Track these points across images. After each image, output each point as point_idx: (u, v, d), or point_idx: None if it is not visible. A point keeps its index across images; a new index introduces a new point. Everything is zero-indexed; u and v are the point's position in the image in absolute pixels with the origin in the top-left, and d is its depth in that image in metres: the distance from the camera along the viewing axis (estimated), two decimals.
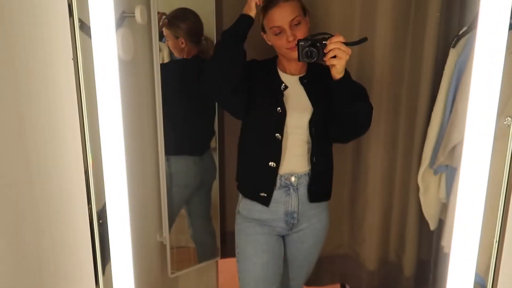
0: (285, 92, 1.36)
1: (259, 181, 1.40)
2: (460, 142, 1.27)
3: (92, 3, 0.64)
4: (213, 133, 1.79)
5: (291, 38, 1.26)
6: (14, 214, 0.70)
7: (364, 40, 1.18)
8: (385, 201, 1.82)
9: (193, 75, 1.69)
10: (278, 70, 1.40)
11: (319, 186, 1.42)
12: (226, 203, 1.95)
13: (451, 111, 1.35)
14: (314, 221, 1.45)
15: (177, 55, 1.62)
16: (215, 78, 1.32)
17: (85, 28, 0.70)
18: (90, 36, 0.69)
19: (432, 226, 1.59)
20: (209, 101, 1.75)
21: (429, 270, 1.86)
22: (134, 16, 1.34)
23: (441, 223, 1.67)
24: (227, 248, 1.97)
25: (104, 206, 0.74)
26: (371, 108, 1.32)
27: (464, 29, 1.39)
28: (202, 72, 1.34)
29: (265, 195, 1.39)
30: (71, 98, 0.70)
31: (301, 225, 1.44)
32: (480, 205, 0.68)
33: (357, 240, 1.91)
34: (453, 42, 1.42)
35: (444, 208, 1.57)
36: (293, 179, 1.37)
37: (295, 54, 1.23)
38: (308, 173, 1.39)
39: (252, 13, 1.27)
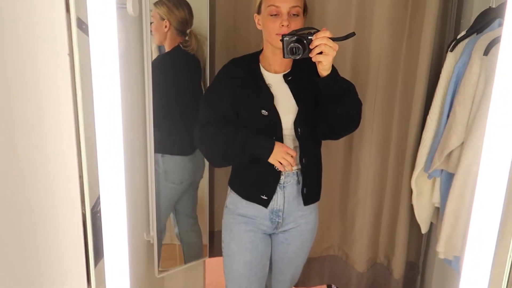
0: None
1: (262, 184, 1.36)
2: (457, 148, 1.27)
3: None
4: None
5: (285, 23, 1.20)
6: (2, 213, 0.65)
7: (352, 35, 1.13)
8: (376, 203, 1.82)
9: (176, 69, 1.64)
10: (261, 67, 1.34)
11: (311, 188, 1.39)
12: (214, 202, 1.91)
13: (448, 115, 1.34)
14: (301, 222, 1.42)
15: (156, 40, 1.55)
16: (210, 158, 1.43)
17: (82, 24, 0.65)
18: (87, 33, 0.64)
19: (424, 229, 1.59)
20: (196, 95, 1.70)
21: (418, 272, 1.87)
22: (125, 8, 1.29)
23: (431, 226, 1.67)
24: (215, 247, 1.95)
25: (97, 204, 0.70)
26: (360, 104, 1.28)
27: (463, 33, 1.39)
28: (197, 137, 1.37)
29: (266, 198, 1.36)
30: (66, 95, 0.66)
31: (287, 225, 1.41)
32: (496, 218, 0.67)
33: (347, 241, 1.91)
34: (450, 46, 1.41)
35: (436, 213, 1.57)
36: (281, 177, 1.35)
37: None
38: (296, 173, 1.36)
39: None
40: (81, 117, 0.65)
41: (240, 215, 1.41)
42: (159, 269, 1.75)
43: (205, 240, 1.89)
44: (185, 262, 1.85)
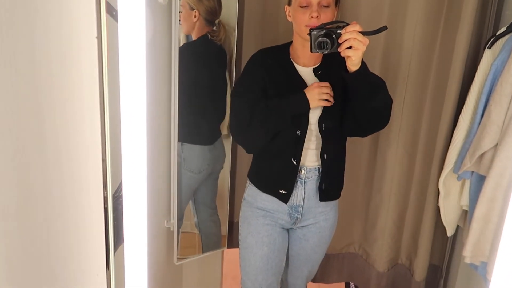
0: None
1: (280, 178, 1.35)
2: (491, 149, 1.21)
3: None
4: (223, 117, 1.74)
5: (314, 14, 1.16)
6: (26, 196, 0.66)
7: (383, 29, 1.07)
8: (401, 202, 1.77)
9: (201, 58, 1.64)
10: (292, 60, 1.30)
11: (329, 184, 1.37)
12: (235, 193, 1.91)
13: (482, 115, 1.28)
14: (320, 219, 1.40)
15: (184, 29, 1.55)
16: (246, 141, 1.34)
17: (112, 10, 0.64)
18: (116, 19, 0.64)
19: (450, 232, 1.54)
20: (220, 85, 1.69)
21: (441, 276, 1.82)
22: None
23: (458, 229, 1.62)
24: (234, 238, 1.95)
25: (119, 189, 0.70)
26: (391, 101, 1.24)
27: (503, 30, 1.32)
28: (234, 127, 1.33)
29: (285, 192, 1.34)
30: (93, 78, 0.65)
31: (306, 221, 1.39)
32: None
33: (369, 240, 1.87)
34: (489, 43, 1.34)
35: (464, 215, 1.51)
36: (302, 172, 1.33)
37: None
38: (318, 169, 1.34)
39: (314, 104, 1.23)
40: (106, 101, 0.65)
41: (258, 208, 1.40)
42: (178, 256, 1.77)
43: (224, 230, 1.90)
44: (203, 251, 1.86)
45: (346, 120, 1.27)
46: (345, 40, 1.06)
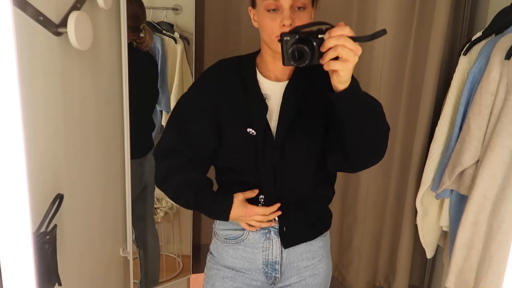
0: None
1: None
2: (471, 166, 1.10)
3: None
4: (154, 127, 1.64)
5: (287, 22, 0.87)
6: None
7: (381, 33, 0.77)
8: (376, 221, 1.66)
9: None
10: (258, 73, 1.00)
11: (294, 225, 1.04)
12: (199, 213, 1.76)
13: (460, 128, 1.17)
14: (306, 274, 1.07)
15: None
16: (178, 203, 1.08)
17: None
18: None
19: (429, 254, 1.42)
20: (149, 94, 1.59)
21: None
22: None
23: (438, 249, 1.50)
24: (200, 263, 1.80)
25: None
26: (388, 128, 0.92)
27: (478, 34, 1.22)
28: (159, 174, 1.06)
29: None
30: None
31: (288, 279, 1.07)
32: None
33: (343, 261, 1.74)
34: (464, 49, 1.24)
35: (444, 234, 1.40)
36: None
37: None
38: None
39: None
40: None
41: (225, 266, 1.08)
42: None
43: (187, 250, 1.79)
44: (141, 272, 1.72)
45: (330, 152, 0.97)
46: (330, 49, 0.77)
